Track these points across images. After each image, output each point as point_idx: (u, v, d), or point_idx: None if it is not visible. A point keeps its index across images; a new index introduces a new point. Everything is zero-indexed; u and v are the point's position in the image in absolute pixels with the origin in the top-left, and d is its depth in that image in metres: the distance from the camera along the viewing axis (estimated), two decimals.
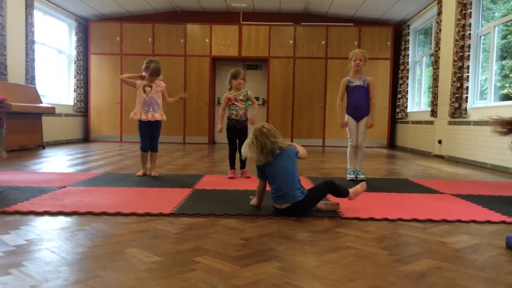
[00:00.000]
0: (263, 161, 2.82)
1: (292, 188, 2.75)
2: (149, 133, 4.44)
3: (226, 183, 4.09)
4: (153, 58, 4.47)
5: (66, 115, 9.45)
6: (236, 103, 4.50)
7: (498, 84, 6.42)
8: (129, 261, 1.86)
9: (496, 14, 6.65)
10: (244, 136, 4.21)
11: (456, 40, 6.79)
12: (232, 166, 4.53)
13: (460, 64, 6.69)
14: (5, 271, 1.72)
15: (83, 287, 1.58)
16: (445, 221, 2.71)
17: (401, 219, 2.73)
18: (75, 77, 9.79)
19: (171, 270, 1.77)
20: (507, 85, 6.44)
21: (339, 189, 2.91)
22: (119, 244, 2.11)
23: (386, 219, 2.73)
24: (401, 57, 9.88)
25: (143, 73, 4.35)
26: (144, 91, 4.33)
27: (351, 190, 2.97)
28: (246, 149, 2.92)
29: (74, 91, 9.81)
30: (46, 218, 2.61)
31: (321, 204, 2.89)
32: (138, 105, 4.36)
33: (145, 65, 4.31)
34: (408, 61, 9.66)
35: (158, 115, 4.38)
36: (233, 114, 4.48)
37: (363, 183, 3.10)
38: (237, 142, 4.54)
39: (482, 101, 6.60)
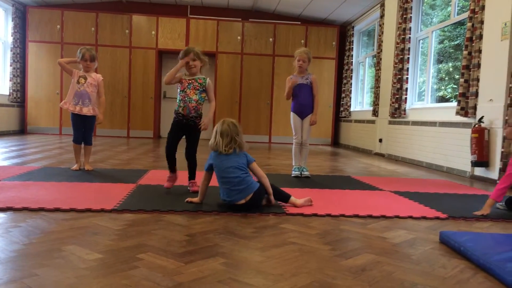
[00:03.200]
0: (222, 152, 2.85)
1: (249, 180, 2.81)
2: (82, 126, 4.28)
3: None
4: (86, 46, 4.29)
5: (1, 105, 8.91)
6: (187, 91, 3.34)
7: (435, 86, 6.77)
8: (68, 259, 1.79)
9: (434, 19, 7.00)
10: (194, 135, 3.39)
11: (397, 43, 7.08)
12: (171, 169, 3.46)
13: (400, 66, 6.98)
14: None
15: (18, 286, 1.50)
16: (384, 217, 2.83)
17: (343, 215, 2.81)
18: (11, 65, 9.24)
19: (113, 267, 1.72)
20: (442, 87, 6.80)
21: (281, 192, 3.01)
22: (58, 241, 2.03)
23: (329, 215, 2.80)
24: (345, 57, 10.16)
25: (78, 61, 4.17)
26: (78, 82, 4.16)
27: (298, 202, 2.98)
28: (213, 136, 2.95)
29: (10, 80, 9.26)
30: None
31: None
32: (70, 95, 4.18)
33: (79, 54, 4.15)
34: (352, 62, 9.95)
35: (86, 110, 4.19)
36: (181, 106, 3.34)
37: (309, 200, 3.05)
38: (184, 138, 3.47)
39: (420, 102, 6.93)
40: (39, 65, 9.56)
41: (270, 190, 2.93)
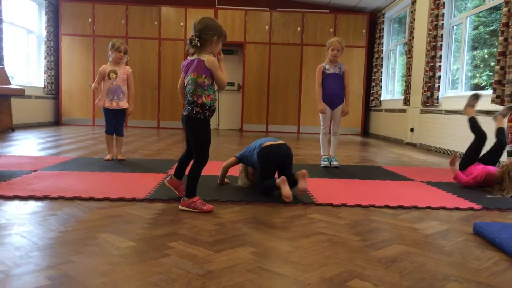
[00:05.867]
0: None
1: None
2: (114, 118, 4.38)
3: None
4: (117, 39, 4.38)
5: (36, 97, 9.19)
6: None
7: (469, 74, 6.57)
8: (102, 246, 1.84)
9: (468, 4, 6.77)
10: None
11: (430, 30, 6.89)
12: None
13: (432, 53, 6.80)
14: None
15: (55, 272, 1.56)
16: (415, 207, 2.78)
17: (373, 206, 2.78)
18: (45, 58, 9.50)
19: (145, 255, 1.76)
20: (477, 75, 6.60)
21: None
22: (92, 229, 2.09)
23: (358, 206, 2.78)
24: (375, 45, 9.97)
25: (110, 54, 4.25)
26: (109, 78, 4.24)
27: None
28: None
29: (45, 73, 9.52)
30: (16, 203, 2.55)
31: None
32: (103, 92, 4.28)
33: (111, 44, 4.24)
34: (382, 50, 9.76)
35: (123, 103, 4.29)
36: (214, 103, 2.60)
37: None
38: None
39: (453, 90, 6.75)
40: (72, 57, 9.78)
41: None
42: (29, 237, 1.93)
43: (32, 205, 2.52)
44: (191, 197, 2.54)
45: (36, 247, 1.81)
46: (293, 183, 2.88)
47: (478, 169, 3.48)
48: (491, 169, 3.45)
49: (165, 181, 2.86)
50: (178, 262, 1.70)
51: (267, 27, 9.89)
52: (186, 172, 2.66)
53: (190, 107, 2.53)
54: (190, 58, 2.58)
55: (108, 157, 4.37)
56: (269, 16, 9.89)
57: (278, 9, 9.99)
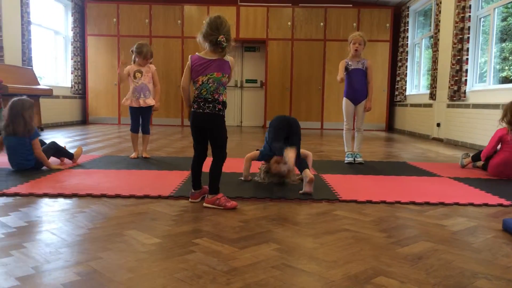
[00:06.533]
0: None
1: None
2: (141, 116, 4.44)
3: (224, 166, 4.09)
4: (141, 42, 4.40)
5: (64, 97, 9.39)
6: None
7: (498, 66, 6.40)
8: (129, 243, 1.88)
9: None
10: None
11: (456, 22, 6.74)
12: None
13: (459, 46, 6.65)
14: (6, 252, 1.73)
15: (84, 268, 1.59)
16: (442, 204, 2.73)
17: (398, 202, 2.75)
18: (72, 59, 9.70)
19: (171, 252, 1.79)
20: (506, 67, 6.42)
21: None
22: (119, 226, 2.13)
23: (383, 202, 2.75)
24: (400, 39, 9.80)
25: (133, 58, 4.31)
26: (135, 77, 4.30)
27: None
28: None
29: (72, 73, 9.73)
30: (46, 200, 2.62)
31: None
32: (130, 92, 4.35)
33: (137, 50, 4.25)
34: (407, 43, 9.59)
35: (150, 100, 4.36)
36: None
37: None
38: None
39: (481, 84, 6.59)
40: (98, 58, 9.96)
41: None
42: (58, 234, 1.98)
43: (61, 202, 2.59)
44: (215, 194, 2.56)
45: (65, 244, 1.85)
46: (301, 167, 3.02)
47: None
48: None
49: (189, 200, 2.69)
50: (203, 258, 1.72)
51: (289, 23, 9.84)
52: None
53: (211, 105, 2.55)
54: (205, 57, 2.58)
55: (133, 155, 4.44)
56: (291, 12, 9.85)
57: (300, 4, 9.93)
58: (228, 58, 2.61)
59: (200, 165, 2.70)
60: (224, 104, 2.60)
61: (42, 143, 3.81)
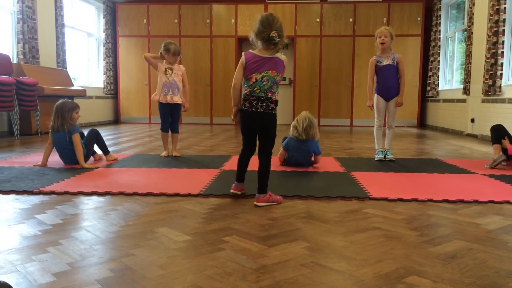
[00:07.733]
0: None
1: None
2: (169, 115, 4.50)
3: (253, 163, 4.10)
4: (168, 40, 4.50)
5: (97, 97, 9.63)
6: None
7: None
8: (160, 240, 1.91)
9: None
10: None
11: (491, 15, 6.53)
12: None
13: (494, 39, 6.45)
14: (43, 249, 1.79)
15: (117, 265, 1.63)
16: (477, 202, 2.66)
17: (431, 200, 2.69)
18: (104, 60, 9.93)
19: (201, 249, 1.81)
20: None
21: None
22: (150, 223, 2.17)
23: (415, 200, 2.70)
24: (432, 33, 9.57)
25: (163, 54, 4.39)
26: (166, 73, 4.38)
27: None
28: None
29: (104, 74, 9.96)
30: (80, 198, 2.70)
31: None
32: (159, 87, 4.42)
33: (165, 48, 4.35)
34: (439, 37, 9.36)
35: (177, 98, 4.41)
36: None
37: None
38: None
39: None
40: (129, 58, 10.16)
41: None
42: (92, 231, 2.04)
43: (95, 200, 2.66)
44: (266, 192, 2.59)
45: (99, 241, 1.90)
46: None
47: None
48: None
49: (231, 191, 2.75)
50: (233, 256, 1.73)
51: (318, 19, 9.77)
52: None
53: (264, 104, 2.56)
54: (260, 54, 2.56)
55: (164, 153, 4.51)
56: (320, 9, 9.76)
57: (329, 0, 9.84)
58: (282, 57, 2.60)
59: (248, 159, 2.75)
60: (276, 102, 2.61)
61: (83, 136, 4.13)
